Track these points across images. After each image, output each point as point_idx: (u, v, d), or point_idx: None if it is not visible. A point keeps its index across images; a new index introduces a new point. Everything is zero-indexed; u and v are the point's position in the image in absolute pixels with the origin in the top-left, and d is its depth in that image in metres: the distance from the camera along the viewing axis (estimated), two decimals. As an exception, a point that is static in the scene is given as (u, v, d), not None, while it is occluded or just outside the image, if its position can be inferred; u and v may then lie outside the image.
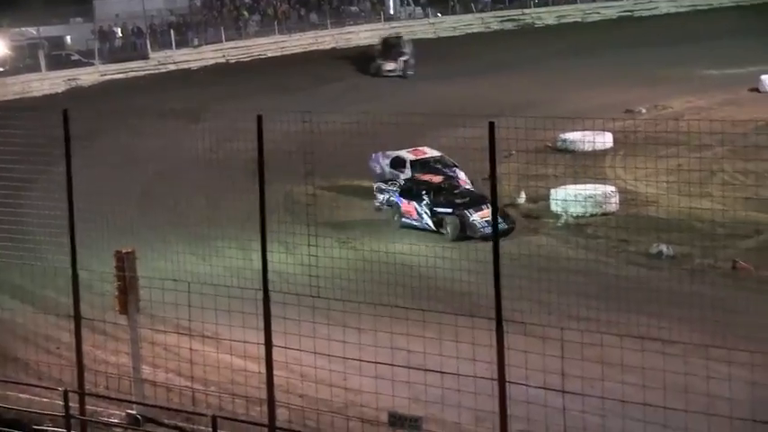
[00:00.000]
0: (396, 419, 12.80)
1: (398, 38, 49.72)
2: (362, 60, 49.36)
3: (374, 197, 27.56)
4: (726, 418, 11.83)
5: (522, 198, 26.28)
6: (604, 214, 25.22)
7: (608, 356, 13.42)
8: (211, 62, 52.92)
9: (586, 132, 30.37)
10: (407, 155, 29.35)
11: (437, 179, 27.28)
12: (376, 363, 13.63)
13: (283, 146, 16.42)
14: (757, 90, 39.06)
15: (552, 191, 25.95)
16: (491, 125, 11.80)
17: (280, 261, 16.32)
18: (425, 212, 25.95)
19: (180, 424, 14.56)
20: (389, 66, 46.41)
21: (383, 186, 27.57)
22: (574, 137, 30.83)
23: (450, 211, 25.64)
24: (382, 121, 19.60)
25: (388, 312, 13.80)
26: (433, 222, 25.78)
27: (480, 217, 24.93)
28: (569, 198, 25.18)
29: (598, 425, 12.84)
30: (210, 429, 13.23)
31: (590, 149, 30.11)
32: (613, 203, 25.61)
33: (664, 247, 22.22)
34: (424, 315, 13.64)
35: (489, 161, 11.97)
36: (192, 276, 16.13)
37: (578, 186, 25.93)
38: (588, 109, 33.05)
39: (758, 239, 22.84)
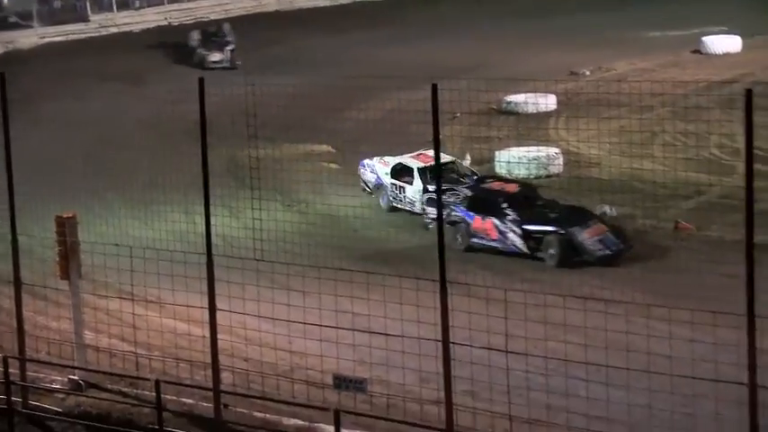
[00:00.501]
0: (341, 382, 12.82)
1: (219, 26, 47.86)
2: (178, 52, 44.79)
3: (423, 212, 22.94)
4: (666, 375, 12.00)
5: (468, 161, 26.30)
6: (548, 176, 25.34)
7: (551, 317, 13.55)
8: (153, 24, 52.22)
9: (530, 94, 30.46)
10: (413, 161, 24.35)
11: (511, 187, 22.37)
12: (321, 326, 13.63)
13: (228, 109, 16.30)
14: (699, 52, 39.29)
15: (497, 153, 25.98)
16: (434, 87, 11.76)
17: (224, 225, 16.24)
18: (512, 231, 21.03)
19: (123, 389, 14.47)
20: (215, 56, 43.78)
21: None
22: (518, 99, 30.87)
23: (551, 229, 20.78)
24: (327, 84, 19.55)
25: (333, 275, 13.79)
26: (527, 244, 20.93)
27: (590, 235, 20.62)
28: (514, 160, 25.23)
29: (541, 384, 12.96)
30: (154, 394, 13.17)
31: (534, 111, 30.22)
32: (557, 165, 25.72)
33: (607, 208, 22.37)
34: (368, 278, 13.64)
35: (433, 124, 11.94)
36: (135, 241, 16.00)
37: (522, 148, 25.98)
38: (533, 71, 33.16)
39: (699, 200, 23.09)
